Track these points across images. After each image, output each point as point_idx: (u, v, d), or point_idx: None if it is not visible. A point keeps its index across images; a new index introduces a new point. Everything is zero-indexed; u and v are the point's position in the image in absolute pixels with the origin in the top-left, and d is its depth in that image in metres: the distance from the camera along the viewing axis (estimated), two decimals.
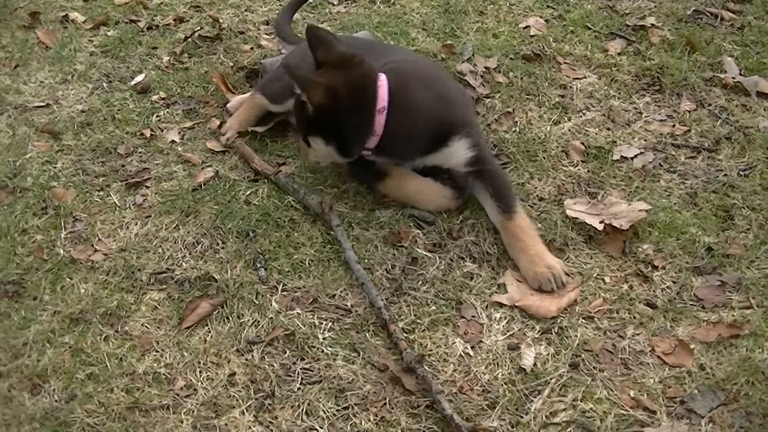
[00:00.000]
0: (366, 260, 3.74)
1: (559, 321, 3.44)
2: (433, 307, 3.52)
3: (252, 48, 5.44)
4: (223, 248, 3.87)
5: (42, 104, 5.02)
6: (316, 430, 3.09)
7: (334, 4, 5.89)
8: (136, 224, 4.06)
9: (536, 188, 4.12)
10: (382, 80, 3.87)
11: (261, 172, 4.30)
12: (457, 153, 3.95)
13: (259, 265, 3.74)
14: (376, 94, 3.83)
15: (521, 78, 4.90)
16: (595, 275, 3.66)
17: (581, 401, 3.13)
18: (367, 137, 3.86)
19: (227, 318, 3.53)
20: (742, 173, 4.22)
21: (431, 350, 3.35)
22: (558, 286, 3.62)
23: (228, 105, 4.84)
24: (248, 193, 4.16)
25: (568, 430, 3.05)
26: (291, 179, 4.21)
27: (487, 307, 3.53)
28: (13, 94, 5.14)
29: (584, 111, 4.69)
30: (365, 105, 3.83)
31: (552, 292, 3.61)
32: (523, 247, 3.76)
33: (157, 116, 4.83)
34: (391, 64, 4.11)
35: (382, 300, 3.47)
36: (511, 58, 5.09)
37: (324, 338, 3.40)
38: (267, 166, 4.31)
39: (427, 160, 4.05)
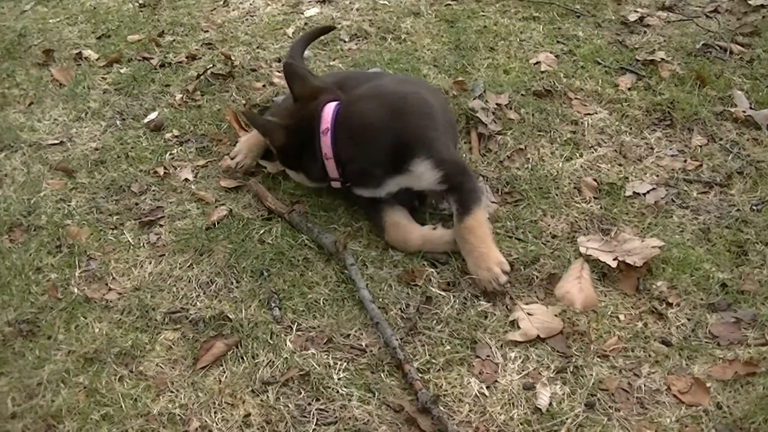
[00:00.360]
0: (380, 299, 3.74)
1: (574, 360, 3.43)
2: (448, 347, 3.51)
3: (264, 85, 5.47)
4: (237, 287, 3.87)
5: (56, 142, 5.04)
6: None
7: (345, 41, 5.92)
8: (150, 263, 4.07)
9: (549, 225, 4.12)
10: (330, 106, 4.08)
11: (275, 210, 4.30)
12: (425, 176, 3.99)
13: (273, 305, 3.74)
14: (320, 118, 4.04)
15: (533, 114, 4.91)
16: (609, 313, 3.65)
17: None
18: (320, 160, 4.07)
19: (242, 358, 3.52)
20: (755, 208, 4.22)
21: (446, 390, 3.34)
22: (498, 288, 3.73)
23: (230, 161, 4.76)
24: (262, 231, 4.17)
25: None
26: (305, 218, 4.21)
27: (501, 346, 3.52)
28: (27, 131, 5.17)
29: (596, 147, 4.69)
30: (311, 131, 4.06)
31: (495, 293, 3.74)
32: (470, 249, 3.84)
33: (170, 154, 4.84)
34: (361, 88, 4.34)
35: (397, 340, 3.47)
36: (522, 95, 5.10)
37: (339, 378, 3.39)
38: (281, 204, 4.31)
39: (398, 183, 4.07)
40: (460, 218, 3.89)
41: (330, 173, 4.09)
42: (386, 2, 6.47)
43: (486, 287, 3.74)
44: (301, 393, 3.36)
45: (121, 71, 5.80)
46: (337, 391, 3.34)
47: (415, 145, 3.98)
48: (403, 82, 4.72)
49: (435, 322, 3.64)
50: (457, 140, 4.58)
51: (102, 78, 5.74)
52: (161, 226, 4.29)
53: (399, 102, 4.17)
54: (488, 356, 3.48)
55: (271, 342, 3.57)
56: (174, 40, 6.18)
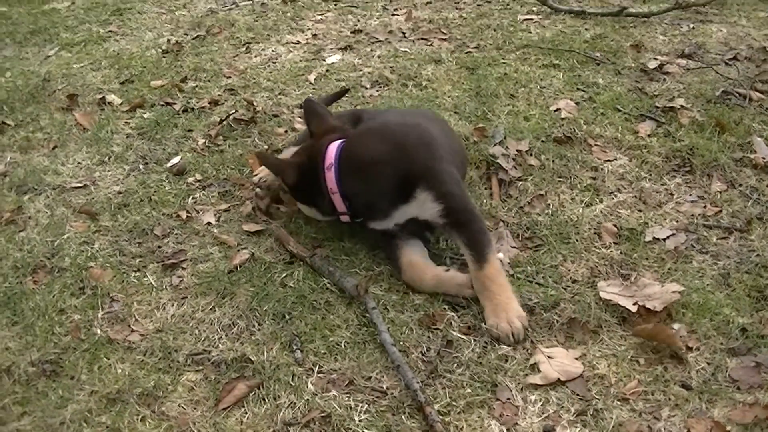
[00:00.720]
0: (401, 342, 3.75)
1: (594, 403, 3.43)
2: (469, 390, 3.51)
3: (286, 131, 5.52)
4: (259, 330, 3.88)
5: (79, 185, 5.09)
6: None
7: (366, 88, 5.97)
8: (173, 305, 4.09)
9: (569, 270, 4.14)
10: (334, 143, 4.20)
11: (296, 254, 4.32)
12: (426, 206, 4.05)
13: (295, 347, 3.75)
14: (325, 155, 4.16)
15: (553, 160, 4.94)
16: (629, 357, 3.65)
17: None
18: (327, 195, 4.19)
19: (264, 399, 3.52)
20: None
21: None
22: (517, 341, 3.74)
23: (254, 178, 4.88)
24: (284, 275, 4.19)
25: None
26: (327, 261, 4.23)
27: (522, 389, 3.52)
28: (51, 174, 5.22)
29: (616, 193, 4.71)
30: (317, 168, 4.19)
31: (512, 345, 3.73)
32: (489, 296, 3.86)
33: (192, 198, 4.89)
34: (365, 124, 4.51)
35: (418, 382, 3.46)
36: (542, 141, 5.13)
37: (360, 420, 3.39)
38: (302, 248, 4.33)
39: (404, 213, 4.13)
40: (479, 265, 3.92)
41: (337, 207, 4.20)
42: (407, 50, 6.53)
43: (504, 341, 3.75)
44: None
45: (144, 116, 5.86)
46: None
47: (416, 175, 4.06)
48: (406, 114, 4.81)
49: (456, 365, 3.64)
50: (465, 166, 4.65)
51: (125, 122, 5.81)
52: (184, 269, 4.31)
53: (400, 135, 4.25)
54: (509, 399, 3.48)
55: (293, 384, 3.58)
56: (197, 86, 6.24)
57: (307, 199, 4.37)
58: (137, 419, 3.48)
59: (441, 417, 3.36)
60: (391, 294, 4.05)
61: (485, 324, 3.80)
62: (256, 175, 4.79)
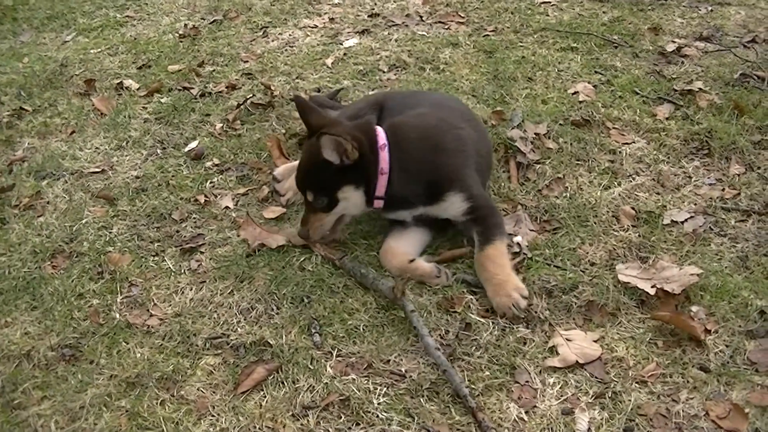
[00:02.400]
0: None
1: (612, 386, 3.43)
2: (487, 372, 3.52)
3: None
4: (277, 314, 3.90)
5: (97, 170, 5.11)
6: None
7: (384, 71, 5.95)
8: (191, 289, 4.11)
9: (588, 253, 4.13)
10: (378, 127, 4.21)
11: (326, 257, 4.25)
12: (453, 206, 4.12)
13: (313, 331, 3.77)
14: (376, 135, 4.13)
15: (571, 143, 4.92)
16: (647, 339, 3.65)
17: None
18: (375, 177, 4.09)
19: (282, 383, 3.54)
20: None
21: (485, 415, 3.34)
22: (518, 314, 3.78)
23: (275, 172, 4.85)
24: (302, 259, 4.20)
25: None
26: (357, 263, 4.17)
27: (540, 371, 3.53)
28: (69, 159, 5.24)
29: (634, 176, 4.70)
30: (372, 146, 4.09)
31: (516, 318, 3.77)
32: (488, 277, 3.90)
33: (210, 182, 4.89)
34: (405, 115, 4.46)
35: (467, 388, 3.43)
36: (560, 124, 5.12)
37: (379, 403, 3.40)
38: (332, 250, 4.29)
39: (427, 210, 4.19)
40: (481, 247, 3.98)
41: (379, 191, 4.12)
42: (424, 33, 6.51)
43: (506, 313, 3.78)
44: (341, 417, 3.37)
45: (162, 101, 5.86)
46: (377, 416, 3.36)
47: (449, 181, 4.11)
48: (435, 104, 4.73)
49: (474, 348, 3.65)
50: (491, 167, 4.66)
51: (143, 107, 5.81)
52: (202, 253, 4.32)
53: (438, 137, 4.28)
54: (527, 382, 3.49)
55: (312, 367, 3.59)
56: (214, 70, 6.24)
57: (357, 179, 4.12)
58: (156, 403, 3.50)
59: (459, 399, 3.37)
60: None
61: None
62: (284, 195, 4.74)
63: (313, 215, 4.14)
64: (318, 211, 4.12)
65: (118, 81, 6.18)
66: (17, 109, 5.96)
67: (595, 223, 4.33)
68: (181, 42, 6.80)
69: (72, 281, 4.19)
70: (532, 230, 4.31)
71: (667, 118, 5.21)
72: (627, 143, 4.98)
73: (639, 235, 4.25)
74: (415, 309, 3.79)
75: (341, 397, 3.44)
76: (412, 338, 3.72)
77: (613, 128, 5.11)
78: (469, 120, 4.61)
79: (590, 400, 3.40)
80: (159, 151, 5.28)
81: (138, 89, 6.07)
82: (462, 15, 6.90)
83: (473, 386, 3.46)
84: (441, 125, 4.40)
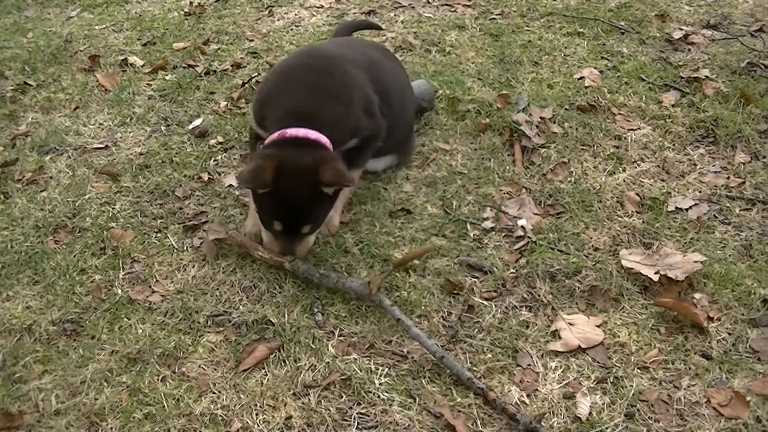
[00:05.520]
0: (423, 307, 3.77)
1: (614, 371, 3.44)
2: (489, 355, 3.53)
3: None
4: (280, 292, 3.89)
5: (101, 146, 5.09)
6: None
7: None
8: (194, 267, 4.10)
9: (591, 238, 4.13)
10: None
11: (269, 261, 4.02)
12: None
13: (316, 310, 3.77)
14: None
15: (576, 128, 4.91)
16: (650, 325, 3.65)
17: None
18: None
19: (284, 362, 3.54)
20: None
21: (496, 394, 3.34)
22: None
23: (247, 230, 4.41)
24: None
25: None
26: (311, 265, 3.98)
27: (542, 355, 3.53)
28: (72, 135, 5.22)
29: (639, 162, 4.69)
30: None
31: None
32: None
33: (214, 160, 4.87)
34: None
35: (468, 371, 3.43)
36: (566, 109, 5.11)
37: (380, 384, 3.41)
38: (277, 254, 4.03)
39: None
40: None
41: None
42: (431, 15, 6.48)
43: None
44: (342, 397, 3.38)
45: (166, 78, 5.84)
46: (378, 396, 3.36)
47: None
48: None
49: (477, 330, 3.65)
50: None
51: (147, 84, 5.79)
52: (205, 231, 4.30)
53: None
54: (529, 365, 3.49)
55: (313, 346, 3.59)
56: (219, 49, 6.22)
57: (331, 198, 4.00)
58: (158, 379, 3.50)
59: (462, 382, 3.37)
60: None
61: None
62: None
63: (299, 241, 3.96)
64: (305, 237, 3.97)
65: (123, 57, 6.15)
66: (21, 84, 5.93)
67: (599, 208, 4.32)
68: (186, 20, 6.77)
69: (74, 256, 4.18)
70: (536, 214, 4.31)
71: (673, 105, 5.19)
72: (632, 129, 4.97)
73: (643, 222, 4.24)
74: (394, 304, 3.73)
75: (343, 377, 3.44)
76: (414, 319, 3.72)
77: (619, 114, 5.10)
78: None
79: (592, 385, 3.40)
80: (163, 128, 5.26)
81: (142, 66, 6.04)
82: None
83: (475, 368, 3.46)
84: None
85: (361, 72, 4.32)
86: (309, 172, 3.75)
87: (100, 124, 5.36)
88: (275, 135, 3.90)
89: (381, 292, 3.77)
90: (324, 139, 3.89)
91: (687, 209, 4.32)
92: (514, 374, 3.46)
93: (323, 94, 4.11)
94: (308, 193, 3.79)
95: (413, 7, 6.63)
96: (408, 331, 3.58)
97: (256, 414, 3.33)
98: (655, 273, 3.82)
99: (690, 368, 3.46)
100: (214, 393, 3.44)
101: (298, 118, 3.93)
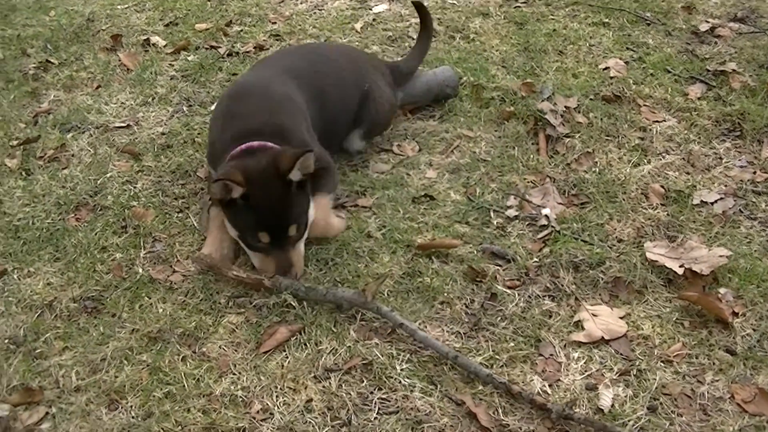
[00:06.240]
0: (445, 294, 3.75)
1: (637, 363, 3.41)
2: (512, 344, 3.50)
3: None
4: (302, 275, 3.86)
5: (123, 125, 5.09)
6: None
7: (413, 38, 5.88)
8: None
9: (615, 229, 4.10)
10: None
11: (250, 283, 3.84)
12: None
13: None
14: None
15: (601, 119, 4.88)
16: (674, 319, 3.62)
17: None
18: None
19: (305, 344, 3.53)
20: None
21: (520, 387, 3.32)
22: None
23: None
24: None
25: None
26: (293, 281, 3.80)
27: (565, 345, 3.51)
28: (94, 113, 5.22)
29: (664, 154, 4.66)
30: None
31: None
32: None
33: None
34: None
35: (487, 368, 3.39)
36: (591, 99, 5.08)
37: (402, 369, 3.39)
38: (253, 273, 3.91)
39: None
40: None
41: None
42: (455, 2, 6.47)
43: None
44: (363, 381, 3.36)
45: (189, 59, 5.83)
46: (400, 382, 3.34)
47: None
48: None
49: (499, 318, 3.63)
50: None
51: (169, 65, 5.78)
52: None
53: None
54: (551, 355, 3.47)
55: (335, 330, 3.58)
56: (242, 30, 6.21)
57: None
58: (178, 359, 3.49)
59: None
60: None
61: None
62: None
63: (292, 249, 3.87)
64: (295, 242, 3.89)
65: (145, 37, 6.14)
66: (43, 62, 5.93)
67: (623, 199, 4.30)
68: (209, 1, 6.76)
69: (95, 234, 4.17)
70: (560, 203, 4.29)
71: (698, 98, 5.16)
72: (657, 121, 4.94)
73: (668, 214, 4.21)
74: (391, 309, 3.63)
75: (364, 362, 3.43)
76: (437, 305, 3.71)
77: (644, 105, 5.07)
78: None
79: (614, 377, 3.37)
80: (185, 108, 5.25)
81: (165, 46, 6.03)
82: None
83: (497, 357, 3.44)
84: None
85: (291, 85, 4.42)
86: (272, 169, 3.75)
87: (122, 103, 5.35)
88: (232, 152, 3.94)
89: (376, 299, 3.67)
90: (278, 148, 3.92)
91: (712, 203, 4.28)
92: (537, 364, 3.43)
93: (265, 112, 4.18)
94: (280, 189, 3.77)
95: None
96: (414, 336, 3.52)
97: (277, 396, 3.32)
98: (680, 266, 3.79)
99: (714, 363, 3.43)
100: (234, 374, 3.42)
101: (248, 135, 3.98)
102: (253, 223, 3.81)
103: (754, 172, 4.52)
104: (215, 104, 4.75)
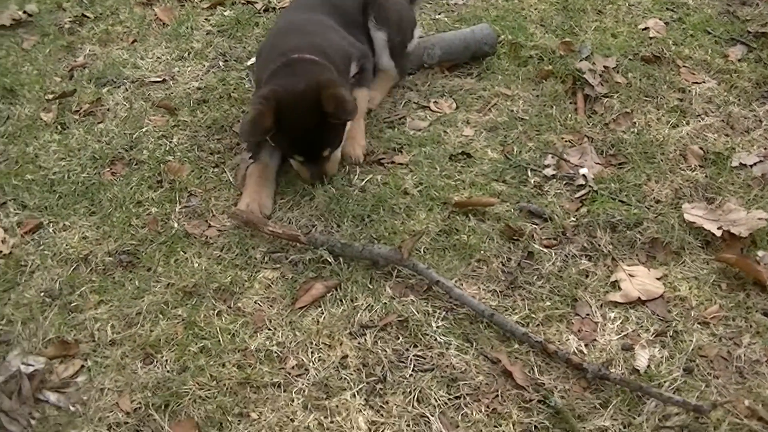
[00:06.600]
0: (482, 252, 3.73)
1: (674, 324, 3.39)
2: (548, 303, 3.49)
3: None
4: (338, 231, 3.87)
5: (158, 80, 5.09)
6: (427, 417, 3.09)
7: None
8: None
9: (653, 190, 4.06)
10: None
11: (286, 237, 3.84)
12: None
13: None
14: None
15: (640, 79, 4.83)
16: (711, 281, 3.60)
17: None
18: None
19: (341, 301, 3.53)
20: None
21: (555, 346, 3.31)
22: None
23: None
24: (365, 180, 4.16)
25: None
26: (330, 235, 3.87)
27: (601, 306, 3.50)
28: (130, 68, 5.22)
29: (703, 116, 4.61)
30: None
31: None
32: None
33: None
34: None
35: (523, 327, 3.39)
36: (629, 59, 5.02)
37: (437, 327, 3.39)
38: (288, 227, 3.92)
39: None
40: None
41: None
42: None
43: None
44: (398, 338, 3.37)
45: (225, 14, 5.81)
46: (435, 339, 3.34)
47: None
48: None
49: (536, 277, 3.62)
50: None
51: (205, 19, 5.76)
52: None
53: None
54: (588, 315, 3.46)
55: (371, 287, 3.58)
56: None
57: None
58: (213, 314, 3.51)
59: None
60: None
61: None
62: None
63: (327, 162, 4.10)
64: (330, 156, 4.11)
65: None
66: (79, 16, 5.93)
67: (661, 160, 4.26)
68: None
69: (131, 189, 4.18)
70: (598, 163, 4.25)
71: (739, 60, 5.09)
72: (697, 83, 4.88)
73: (706, 176, 4.17)
74: (429, 266, 3.63)
75: (399, 318, 3.43)
76: (473, 263, 3.70)
77: (683, 67, 5.01)
78: None
79: (651, 338, 3.36)
80: (221, 63, 5.23)
81: (201, 1, 6.01)
82: None
83: (533, 315, 3.44)
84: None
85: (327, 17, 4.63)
86: (310, 102, 3.87)
87: (158, 57, 5.35)
88: (275, 66, 4.09)
89: (413, 256, 3.67)
90: (323, 61, 4.08)
91: (751, 166, 4.23)
92: (573, 323, 3.43)
93: (310, 34, 4.39)
94: (315, 121, 3.90)
95: None
96: (450, 293, 3.52)
97: (312, 352, 3.33)
98: (718, 228, 3.76)
99: (751, 326, 3.40)
100: (269, 329, 3.44)
101: (289, 52, 4.15)
102: (289, 147, 4.02)
103: None
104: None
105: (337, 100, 3.84)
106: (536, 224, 3.89)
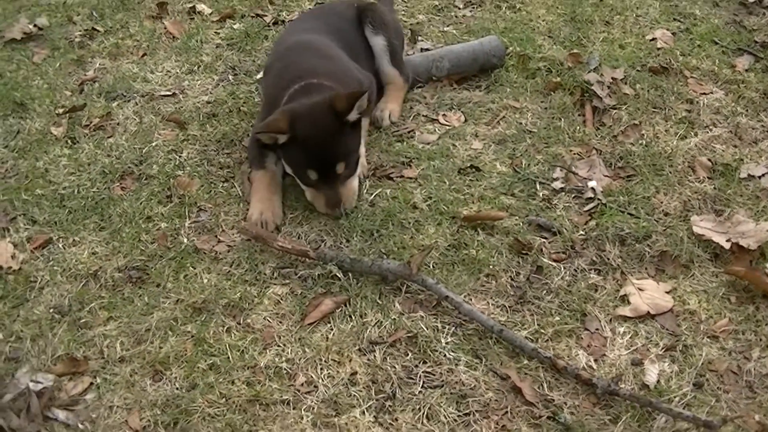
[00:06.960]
0: (491, 266, 3.74)
1: (683, 339, 3.39)
2: (557, 318, 3.50)
3: None
4: (347, 246, 3.88)
5: (168, 93, 5.10)
6: None
7: (459, 8, 5.87)
8: None
9: (662, 202, 4.07)
10: None
11: (293, 251, 3.83)
12: None
13: None
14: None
15: (648, 90, 4.83)
16: (720, 294, 3.60)
17: None
18: None
19: (350, 317, 3.54)
20: None
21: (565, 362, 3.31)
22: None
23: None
24: (374, 194, 4.17)
25: None
26: (338, 251, 3.86)
27: (611, 320, 3.50)
28: (140, 82, 5.23)
29: (711, 127, 4.61)
30: None
31: None
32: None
33: None
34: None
35: (532, 342, 3.39)
36: (637, 70, 5.02)
37: (446, 343, 3.40)
38: (297, 242, 3.92)
39: None
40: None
41: None
42: None
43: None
44: (408, 354, 3.37)
45: (234, 27, 5.82)
46: (445, 355, 3.35)
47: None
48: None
49: (545, 292, 3.62)
50: None
51: (215, 33, 5.78)
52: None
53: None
54: (597, 329, 3.46)
55: (380, 302, 3.58)
56: None
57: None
58: (222, 330, 3.51)
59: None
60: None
61: None
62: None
63: (342, 186, 3.99)
64: (345, 180, 4.01)
65: (191, 5, 6.13)
66: (89, 30, 5.95)
67: (670, 172, 4.26)
68: None
69: (140, 203, 4.19)
70: (607, 176, 4.25)
71: (746, 70, 5.09)
72: (705, 93, 4.88)
73: (714, 188, 4.17)
74: (438, 281, 3.62)
75: (409, 334, 3.43)
76: (482, 278, 3.70)
77: (691, 77, 5.01)
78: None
79: (660, 352, 3.36)
80: (230, 77, 5.24)
81: (210, 14, 6.03)
82: None
83: (543, 330, 3.44)
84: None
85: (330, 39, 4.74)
86: (324, 107, 3.89)
87: (168, 71, 5.36)
88: (292, 90, 4.14)
89: (421, 271, 3.66)
90: (339, 88, 4.09)
91: (760, 177, 4.23)
92: (582, 338, 3.43)
93: (324, 58, 4.46)
94: (329, 128, 3.90)
95: None
96: (459, 309, 3.52)
97: (321, 369, 3.33)
98: (727, 240, 3.76)
99: (761, 339, 3.40)
100: (279, 346, 3.44)
101: (306, 75, 4.20)
102: (302, 161, 3.94)
103: None
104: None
105: (349, 97, 3.86)
106: (545, 238, 3.89)
